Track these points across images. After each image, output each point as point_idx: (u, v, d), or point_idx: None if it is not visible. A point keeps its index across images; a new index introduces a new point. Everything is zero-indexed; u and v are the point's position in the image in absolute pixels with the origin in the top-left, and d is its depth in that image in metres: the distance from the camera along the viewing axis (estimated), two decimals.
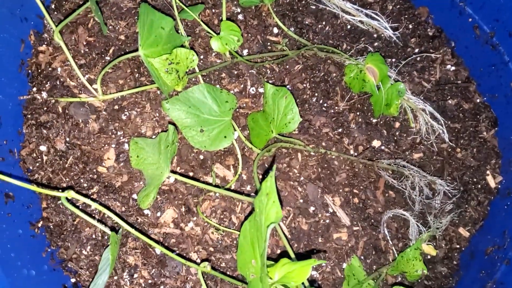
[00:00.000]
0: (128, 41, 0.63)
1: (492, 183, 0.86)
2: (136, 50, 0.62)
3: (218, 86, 0.67)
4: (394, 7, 0.92)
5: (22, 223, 0.52)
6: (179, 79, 0.58)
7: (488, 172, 0.87)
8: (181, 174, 0.58)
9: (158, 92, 0.63)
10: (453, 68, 0.91)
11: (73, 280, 0.54)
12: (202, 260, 0.56)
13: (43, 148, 0.56)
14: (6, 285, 0.43)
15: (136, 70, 0.62)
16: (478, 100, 0.90)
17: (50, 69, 0.59)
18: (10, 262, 0.45)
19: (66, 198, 0.45)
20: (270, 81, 0.71)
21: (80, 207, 0.56)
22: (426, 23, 0.93)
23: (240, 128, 0.65)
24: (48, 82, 0.58)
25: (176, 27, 0.62)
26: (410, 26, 0.92)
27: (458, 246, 0.82)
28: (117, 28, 0.63)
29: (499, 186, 0.85)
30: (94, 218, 0.52)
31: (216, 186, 0.61)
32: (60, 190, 0.50)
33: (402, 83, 0.77)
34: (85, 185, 0.57)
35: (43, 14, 0.59)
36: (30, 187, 0.44)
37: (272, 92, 0.64)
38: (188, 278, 0.58)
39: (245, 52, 0.71)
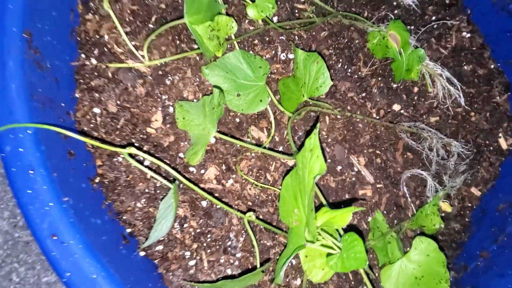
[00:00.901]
0: (168, 9, 0.66)
1: (504, 145, 0.91)
2: (177, 18, 0.65)
3: (251, 52, 0.71)
4: None
5: (84, 178, 0.56)
6: (220, 45, 0.62)
7: (500, 134, 0.91)
8: (221, 134, 0.63)
9: (198, 58, 0.67)
10: (469, 35, 0.95)
11: (129, 230, 0.60)
12: (243, 213, 0.62)
13: (96, 110, 0.61)
14: (80, 231, 0.48)
15: (177, 37, 0.65)
16: (492, 66, 0.94)
17: (97, 36, 0.62)
18: (80, 211, 0.50)
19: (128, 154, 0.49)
20: (298, 47, 0.75)
21: (132, 165, 0.61)
22: None
23: (272, 93, 0.69)
24: (96, 49, 0.62)
25: None
26: None
27: (470, 205, 0.88)
28: None
29: (511, 148, 0.90)
30: (153, 171, 0.57)
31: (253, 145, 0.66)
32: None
33: (422, 49, 0.81)
34: (136, 144, 0.61)
35: None
36: (96, 143, 0.48)
37: (303, 58, 0.68)
38: (231, 228, 0.63)
39: (275, 19, 0.75)
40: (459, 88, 0.86)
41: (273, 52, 0.72)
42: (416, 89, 0.86)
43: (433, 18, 0.94)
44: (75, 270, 0.47)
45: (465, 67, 0.92)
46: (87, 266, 0.47)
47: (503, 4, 0.89)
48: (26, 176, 0.47)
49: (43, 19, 0.53)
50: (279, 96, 0.71)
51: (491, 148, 0.90)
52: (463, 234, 0.87)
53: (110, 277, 0.48)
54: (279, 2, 0.76)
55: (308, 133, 0.72)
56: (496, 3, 0.90)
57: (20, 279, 1.07)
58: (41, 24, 0.53)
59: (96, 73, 0.61)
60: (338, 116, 0.75)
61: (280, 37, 0.73)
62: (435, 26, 0.92)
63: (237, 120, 0.68)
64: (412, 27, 0.90)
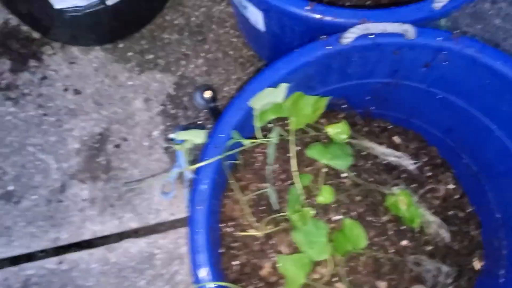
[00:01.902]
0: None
1: (477, 266, 1.33)
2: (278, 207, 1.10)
3: (316, 218, 1.15)
4: (413, 147, 1.40)
5: None
6: (303, 224, 1.05)
7: (474, 259, 1.34)
8: None
9: (289, 226, 1.11)
10: (453, 186, 1.39)
11: None
12: None
13: (234, 262, 1.03)
14: None
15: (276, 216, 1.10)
16: (469, 210, 1.38)
17: (233, 215, 1.06)
18: None
19: None
20: (342, 210, 1.19)
21: None
22: (436, 157, 1.41)
23: (329, 242, 1.12)
24: (232, 222, 1.06)
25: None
26: (425, 159, 1.40)
27: None
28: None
29: (482, 268, 1.33)
30: None
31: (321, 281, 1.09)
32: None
33: (421, 208, 1.25)
34: (255, 282, 1.04)
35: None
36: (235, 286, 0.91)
37: (348, 224, 1.12)
38: None
39: None
40: (446, 228, 1.30)
41: (329, 217, 1.16)
42: (417, 230, 1.30)
43: (429, 174, 1.38)
44: None
45: (450, 212, 1.36)
46: None
47: (473, 173, 1.34)
48: None
49: None
50: (333, 243, 1.14)
51: (469, 267, 1.33)
52: None
53: None
54: (330, 181, 1.20)
55: (352, 269, 1.15)
56: (468, 171, 1.35)
57: None
58: None
59: (231, 238, 1.04)
60: (368, 256, 1.18)
61: (333, 205, 1.18)
62: (430, 181, 1.37)
63: None
64: (415, 185, 1.35)
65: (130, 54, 1.70)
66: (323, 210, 1.16)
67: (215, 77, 1.67)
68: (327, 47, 1.01)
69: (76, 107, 1.65)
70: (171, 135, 1.63)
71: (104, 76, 1.67)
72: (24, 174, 1.58)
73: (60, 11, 1.36)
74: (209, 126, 1.62)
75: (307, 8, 1.03)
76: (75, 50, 1.69)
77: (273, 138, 1.01)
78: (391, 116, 1.36)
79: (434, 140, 1.38)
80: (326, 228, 1.09)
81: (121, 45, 1.70)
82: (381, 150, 1.33)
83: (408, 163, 1.36)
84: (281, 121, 1.15)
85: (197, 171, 0.95)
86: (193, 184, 0.94)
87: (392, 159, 1.34)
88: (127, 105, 1.65)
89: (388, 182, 1.31)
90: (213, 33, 1.72)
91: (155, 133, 1.62)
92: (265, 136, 1.11)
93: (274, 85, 1.02)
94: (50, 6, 1.33)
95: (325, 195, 1.10)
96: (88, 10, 1.38)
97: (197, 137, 0.95)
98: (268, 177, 1.03)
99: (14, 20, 1.72)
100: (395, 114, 1.34)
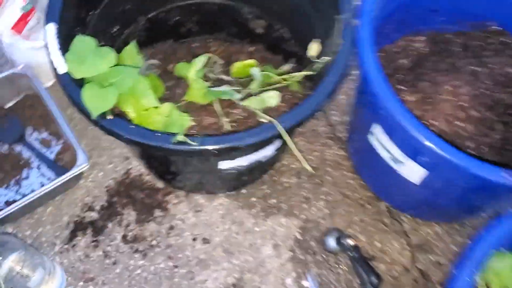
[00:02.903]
0: None
1: None
2: None
3: None
4: None
5: None
6: None
7: None
8: None
9: None
10: None
11: None
12: None
13: None
14: None
15: None
16: None
17: None
18: None
19: None
20: None
21: None
22: None
23: None
24: None
25: None
26: None
27: None
28: None
29: None
30: None
31: None
32: None
33: None
34: None
35: None
36: None
37: None
38: None
39: None
40: None
41: None
42: None
43: None
44: None
45: None
46: None
47: None
48: None
49: None
50: None
51: None
52: None
53: None
54: None
55: None
56: None
57: None
58: None
59: None
60: None
61: None
62: None
63: None
64: None
65: (253, 199, 1.74)
66: None
67: (338, 219, 1.72)
68: None
69: (207, 257, 1.64)
70: (305, 283, 1.63)
71: (230, 223, 1.69)
72: None
73: (218, 170, 1.41)
74: (339, 271, 1.64)
75: (503, 174, 1.12)
76: (199, 198, 1.72)
77: None
78: None
79: None
80: None
81: (243, 191, 1.74)
82: None
83: None
84: None
85: None
86: None
87: None
88: (257, 252, 1.65)
89: None
90: (329, 175, 1.79)
91: (288, 280, 1.62)
92: None
93: (487, 250, 1.07)
94: (214, 167, 1.38)
95: None
96: (242, 168, 1.44)
97: None
98: None
99: (135, 170, 1.76)
100: None
